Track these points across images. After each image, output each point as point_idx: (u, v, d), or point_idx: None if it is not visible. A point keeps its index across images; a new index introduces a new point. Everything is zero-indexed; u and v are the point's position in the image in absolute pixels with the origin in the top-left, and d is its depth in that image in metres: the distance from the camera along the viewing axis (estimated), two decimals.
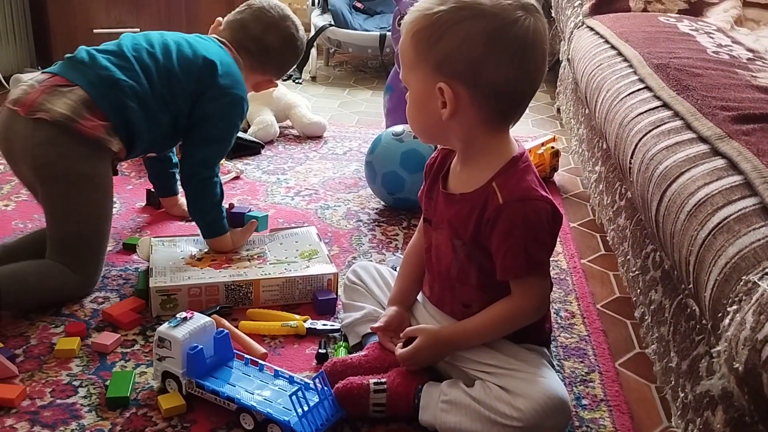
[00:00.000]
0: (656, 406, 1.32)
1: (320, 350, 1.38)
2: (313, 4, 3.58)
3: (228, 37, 1.73)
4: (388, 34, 3.19)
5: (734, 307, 0.84)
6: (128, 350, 1.38)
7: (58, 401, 1.24)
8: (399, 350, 1.24)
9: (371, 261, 1.66)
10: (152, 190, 1.97)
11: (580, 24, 2.31)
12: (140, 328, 1.45)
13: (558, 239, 1.22)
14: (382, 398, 1.20)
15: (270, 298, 1.54)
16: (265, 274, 1.54)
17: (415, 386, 1.20)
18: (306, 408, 1.14)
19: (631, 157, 1.36)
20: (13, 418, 1.19)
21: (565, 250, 1.85)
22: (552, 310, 1.51)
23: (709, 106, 1.29)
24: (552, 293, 1.27)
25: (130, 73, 1.54)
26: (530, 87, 1.14)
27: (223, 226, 1.66)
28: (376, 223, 1.96)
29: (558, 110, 2.90)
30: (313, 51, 3.45)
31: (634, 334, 1.53)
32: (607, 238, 1.77)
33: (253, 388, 1.22)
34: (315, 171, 2.31)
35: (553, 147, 2.28)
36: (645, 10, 2.29)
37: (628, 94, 1.54)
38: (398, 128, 2.01)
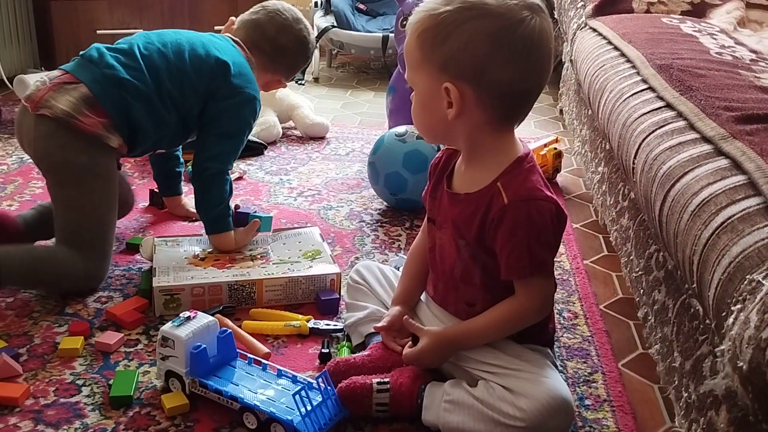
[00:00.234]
0: (659, 407, 1.32)
1: (323, 350, 1.39)
2: (316, 5, 3.59)
3: (242, 36, 1.77)
4: (391, 35, 3.20)
5: (738, 306, 0.84)
6: (131, 349, 1.38)
7: (62, 400, 1.24)
8: (405, 350, 1.24)
9: (374, 261, 1.66)
10: (155, 190, 1.98)
11: (583, 25, 2.31)
12: (143, 327, 1.45)
13: (561, 241, 1.22)
14: (385, 398, 1.20)
15: (273, 297, 1.54)
16: (269, 274, 1.55)
17: (418, 386, 1.20)
18: (309, 407, 1.14)
19: (635, 158, 1.36)
20: (16, 416, 1.20)
21: (568, 251, 1.85)
22: (555, 311, 1.51)
23: (713, 106, 1.30)
24: (555, 294, 1.27)
25: (135, 72, 1.57)
26: (536, 86, 1.14)
27: (227, 224, 1.66)
28: (379, 224, 1.96)
29: (561, 111, 2.90)
30: (316, 52, 3.45)
31: (637, 334, 1.52)
32: (610, 238, 1.77)
33: (256, 388, 1.22)
34: (318, 172, 2.32)
35: (555, 148, 2.28)
36: (648, 11, 2.29)
37: (632, 95, 1.55)
38: (401, 129, 2.01)
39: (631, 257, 1.53)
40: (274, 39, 1.77)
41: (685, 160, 1.16)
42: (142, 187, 2.12)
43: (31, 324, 1.44)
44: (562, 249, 1.84)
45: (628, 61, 1.73)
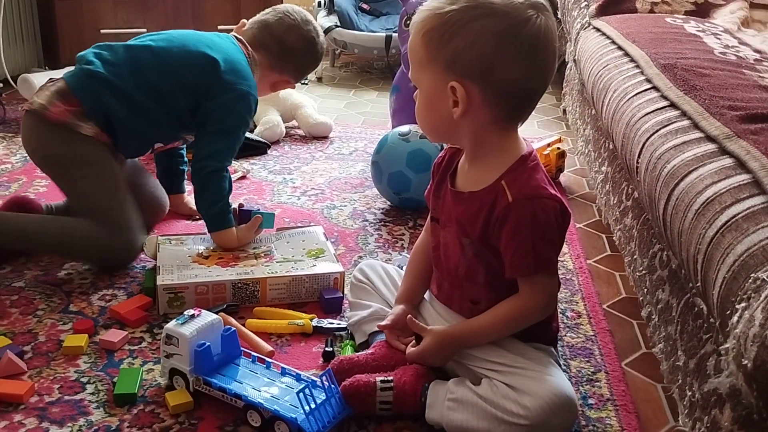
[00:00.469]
0: (662, 406, 1.32)
1: (327, 348, 1.39)
2: (319, 5, 3.59)
3: (249, 35, 1.80)
4: (394, 35, 3.20)
5: (743, 304, 0.84)
6: (136, 347, 1.38)
7: (66, 398, 1.24)
8: (408, 350, 1.24)
9: (378, 260, 1.66)
10: None
11: (587, 25, 2.31)
12: (147, 325, 1.45)
13: (565, 239, 1.22)
14: (388, 396, 1.20)
15: (277, 296, 1.55)
16: (272, 273, 1.55)
17: (421, 384, 1.21)
18: (313, 405, 1.15)
19: (639, 157, 1.36)
20: (21, 414, 1.20)
21: (571, 250, 1.85)
22: (558, 310, 1.51)
23: (717, 105, 1.30)
24: (558, 293, 1.28)
25: (112, 67, 1.64)
26: (541, 85, 1.15)
27: (228, 221, 1.67)
28: (382, 223, 1.96)
29: (564, 111, 2.90)
30: None
31: (640, 334, 1.53)
32: (614, 238, 1.76)
33: (260, 386, 1.22)
34: (321, 171, 2.32)
35: (559, 148, 2.28)
36: (651, 11, 2.29)
37: (635, 95, 1.54)
38: (404, 128, 2.01)
39: (635, 256, 1.53)
40: (281, 39, 1.79)
41: (690, 159, 1.16)
42: None
43: (35, 322, 1.45)
44: (565, 248, 1.84)
45: (632, 60, 1.73)
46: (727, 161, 1.10)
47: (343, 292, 1.56)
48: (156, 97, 1.65)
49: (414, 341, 1.27)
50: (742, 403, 0.87)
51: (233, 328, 1.30)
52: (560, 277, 1.68)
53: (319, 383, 1.19)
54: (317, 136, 2.63)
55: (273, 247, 1.68)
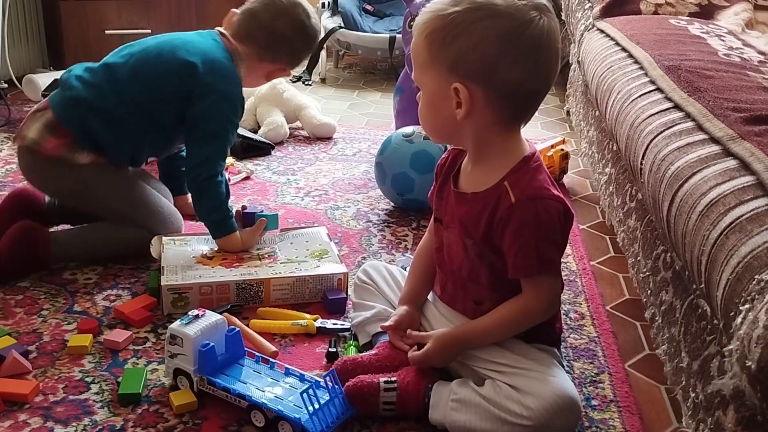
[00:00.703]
0: (666, 407, 1.32)
1: (330, 349, 1.39)
2: (323, 6, 3.59)
3: (236, 28, 1.75)
4: (398, 36, 3.20)
5: (747, 305, 0.84)
6: (140, 347, 1.39)
7: (71, 397, 1.25)
8: (410, 354, 1.25)
9: (381, 261, 1.66)
10: None
11: (591, 26, 2.31)
12: (152, 325, 1.46)
13: (568, 240, 1.23)
14: (392, 397, 1.20)
15: (280, 297, 1.55)
16: (276, 273, 1.55)
17: (425, 385, 1.21)
18: (317, 406, 1.15)
19: (643, 158, 1.36)
20: (26, 413, 1.20)
21: (574, 251, 1.85)
22: (561, 312, 1.51)
23: (721, 107, 1.30)
24: (561, 294, 1.28)
25: (93, 88, 1.64)
26: (544, 86, 1.15)
27: (230, 225, 1.67)
28: (386, 224, 1.96)
29: (567, 113, 2.90)
30: (323, 53, 3.46)
31: (643, 335, 1.53)
32: (617, 239, 1.77)
33: (264, 386, 1.23)
34: (325, 172, 2.32)
35: (562, 149, 2.28)
36: (656, 12, 2.29)
37: (639, 96, 1.55)
38: (408, 129, 2.01)
39: (639, 258, 1.53)
40: (269, 26, 1.72)
41: (694, 161, 1.17)
42: None
43: (40, 322, 1.45)
44: (568, 250, 1.84)
45: (636, 62, 1.73)
46: (732, 163, 1.11)
47: (346, 293, 1.57)
48: (140, 111, 1.64)
49: (416, 346, 1.26)
50: (745, 404, 0.87)
51: (237, 329, 1.30)
52: (564, 278, 1.67)
53: (322, 383, 1.20)
54: (321, 137, 2.63)
55: (277, 248, 1.69)
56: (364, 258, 1.77)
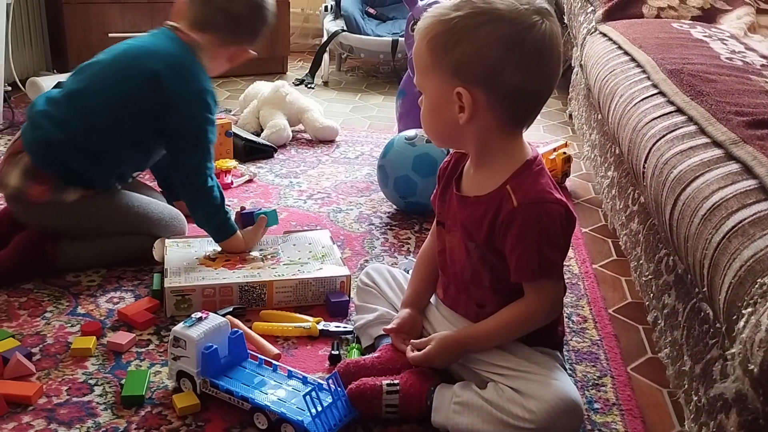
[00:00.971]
0: (668, 411, 1.32)
1: (333, 351, 1.39)
2: (326, 9, 3.60)
3: (191, 17, 1.68)
4: (401, 39, 3.20)
5: (749, 309, 0.84)
6: (143, 350, 1.39)
7: (75, 399, 1.25)
8: (410, 354, 1.25)
9: (384, 264, 1.67)
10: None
11: (593, 30, 2.31)
12: (155, 328, 1.46)
13: (570, 244, 1.23)
14: (394, 399, 1.20)
15: (283, 299, 1.55)
16: (279, 276, 1.55)
17: (427, 388, 1.21)
18: (319, 408, 1.15)
19: (645, 162, 1.36)
20: (30, 415, 1.21)
21: (576, 255, 1.85)
22: (564, 315, 1.52)
23: (723, 111, 1.30)
24: (564, 297, 1.28)
25: (62, 126, 1.60)
26: (547, 90, 1.15)
27: (231, 227, 1.67)
28: (388, 227, 1.97)
29: (570, 116, 2.91)
30: (326, 56, 3.46)
31: (646, 338, 1.53)
32: (620, 242, 1.77)
33: (267, 388, 1.23)
34: (327, 175, 2.33)
35: (565, 152, 2.28)
36: (658, 16, 2.29)
37: (642, 100, 1.55)
38: (411, 132, 2.01)
39: (641, 261, 1.53)
40: (226, 10, 1.67)
41: (696, 165, 1.17)
42: None
43: (43, 324, 1.46)
44: (571, 253, 1.84)
45: (639, 65, 1.74)
46: (734, 167, 1.11)
47: (349, 296, 1.57)
48: (115, 136, 1.62)
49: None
50: (748, 408, 0.87)
51: (240, 331, 1.30)
52: (566, 281, 1.67)
53: (325, 386, 1.20)
54: (323, 140, 2.64)
55: (279, 248, 1.69)
56: (366, 261, 1.77)
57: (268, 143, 2.48)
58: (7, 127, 2.60)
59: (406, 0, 2.28)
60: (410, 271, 1.41)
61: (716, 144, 1.20)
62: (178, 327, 1.24)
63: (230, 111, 2.85)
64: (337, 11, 3.55)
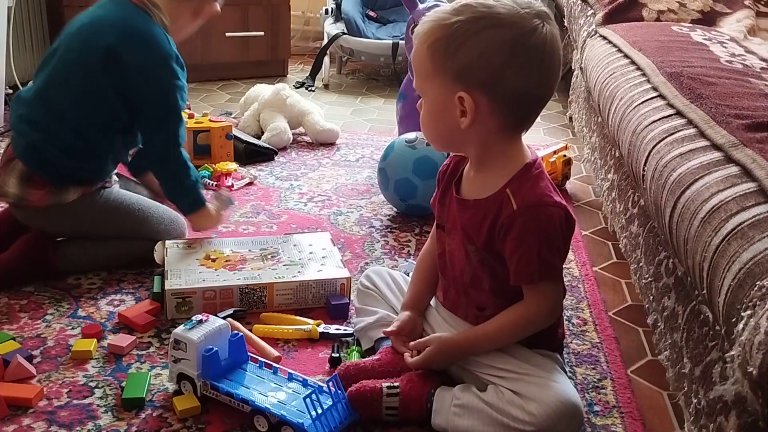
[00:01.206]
0: (668, 413, 1.32)
1: (333, 354, 1.39)
2: (326, 12, 3.61)
3: None
4: (401, 42, 3.21)
5: (748, 312, 0.84)
6: (144, 352, 1.39)
7: (75, 402, 1.25)
8: (409, 359, 1.25)
9: (384, 267, 1.67)
10: None
11: (593, 33, 2.32)
12: (155, 330, 1.46)
13: (570, 247, 1.23)
14: (395, 402, 1.20)
15: (283, 301, 1.55)
16: (279, 278, 1.56)
17: (427, 390, 1.21)
18: (320, 411, 1.15)
19: (645, 165, 1.36)
20: (30, 417, 1.21)
21: (576, 257, 1.86)
22: (564, 317, 1.52)
23: (723, 114, 1.30)
24: (564, 300, 1.28)
25: (40, 128, 1.58)
26: (547, 93, 1.15)
27: (202, 199, 1.69)
28: (389, 230, 1.97)
29: (570, 119, 2.91)
30: (326, 59, 3.47)
31: (646, 341, 1.53)
32: (620, 245, 1.77)
33: (267, 391, 1.23)
34: (328, 177, 2.33)
35: (565, 155, 2.29)
36: (658, 19, 2.30)
37: (642, 103, 1.55)
38: (411, 135, 2.02)
39: (641, 264, 1.54)
40: None
41: (696, 168, 1.17)
42: None
43: (44, 326, 1.46)
44: (571, 256, 1.85)
45: (639, 68, 1.74)
46: (733, 169, 1.11)
47: (349, 298, 1.57)
48: (95, 125, 1.59)
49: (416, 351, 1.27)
50: (747, 410, 0.87)
51: (240, 334, 1.30)
52: (566, 284, 1.68)
53: (325, 389, 1.20)
54: (324, 142, 2.64)
55: (280, 248, 1.69)
56: (367, 263, 1.77)
57: (268, 146, 2.48)
58: (8, 130, 2.60)
59: (406, 3, 2.28)
60: (410, 274, 1.42)
61: (716, 147, 1.20)
62: (179, 329, 1.25)
63: (231, 114, 2.86)
64: (338, 14, 3.56)
